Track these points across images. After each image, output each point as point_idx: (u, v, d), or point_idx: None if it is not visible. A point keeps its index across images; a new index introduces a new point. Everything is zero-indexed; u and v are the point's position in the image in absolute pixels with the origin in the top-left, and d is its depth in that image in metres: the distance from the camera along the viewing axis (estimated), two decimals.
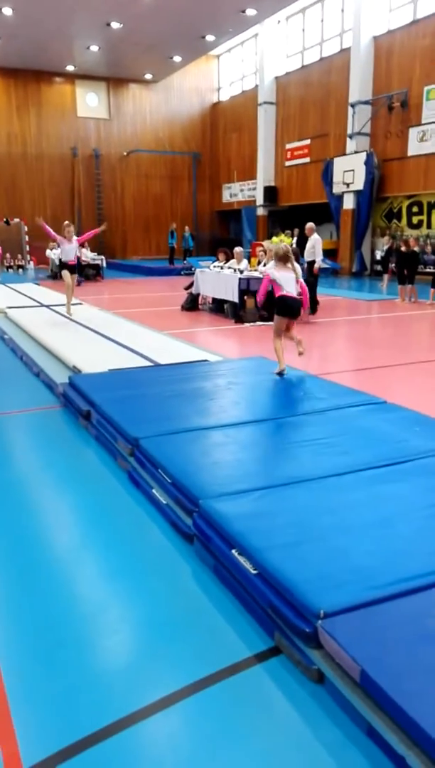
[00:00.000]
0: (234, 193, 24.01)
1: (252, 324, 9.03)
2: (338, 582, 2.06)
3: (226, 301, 9.74)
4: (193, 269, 12.97)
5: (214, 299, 10.34)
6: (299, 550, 2.28)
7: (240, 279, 9.14)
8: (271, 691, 1.89)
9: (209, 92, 24.63)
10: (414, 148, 15.39)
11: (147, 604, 2.33)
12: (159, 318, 9.51)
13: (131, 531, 2.91)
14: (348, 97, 16.88)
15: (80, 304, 10.05)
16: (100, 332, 7.36)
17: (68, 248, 7.76)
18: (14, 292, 12.41)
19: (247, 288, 9.13)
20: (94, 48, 19.16)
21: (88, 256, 16.61)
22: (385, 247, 13.82)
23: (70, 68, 21.56)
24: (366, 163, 16.24)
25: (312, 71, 18.87)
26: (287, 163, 20.40)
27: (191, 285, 10.87)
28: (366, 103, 16.55)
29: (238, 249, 10.45)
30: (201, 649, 2.06)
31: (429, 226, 15.88)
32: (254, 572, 2.22)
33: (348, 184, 16.85)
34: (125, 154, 23.77)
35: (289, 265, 5.28)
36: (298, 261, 9.15)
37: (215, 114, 24.67)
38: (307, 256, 10.34)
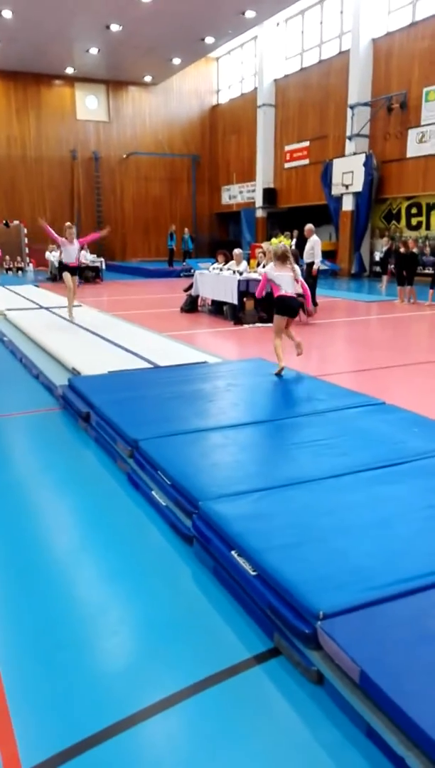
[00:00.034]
0: (233, 195, 24.04)
1: (251, 326, 9.03)
2: (337, 583, 2.07)
3: (225, 303, 9.75)
4: (192, 271, 12.98)
5: (213, 301, 10.35)
6: (298, 551, 2.28)
7: (239, 281, 9.15)
8: (270, 692, 1.89)
9: (208, 94, 24.68)
10: (413, 149, 15.42)
11: (146, 606, 2.33)
12: (158, 320, 9.51)
13: (131, 532, 2.91)
14: (347, 99, 16.92)
15: (79, 306, 10.05)
16: (99, 334, 7.37)
17: (70, 250, 7.73)
18: (14, 294, 12.42)
19: (246, 290, 9.14)
20: (94, 51, 19.20)
21: (87, 258, 16.62)
22: (384, 249, 13.83)
23: (69, 71, 21.61)
24: (365, 164, 16.26)
25: (311, 73, 18.92)
26: (286, 165, 20.43)
27: (190, 287, 10.88)
28: (365, 104, 16.59)
29: (237, 251, 10.46)
30: (200, 651, 2.06)
31: (428, 228, 15.91)
32: (253, 573, 2.23)
33: (347, 186, 16.88)
34: (125, 156, 23.81)
35: (288, 264, 5.30)
36: (297, 262, 9.18)
37: (214, 116, 24.72)
38: (307, 258, 10.36)
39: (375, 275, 16.80)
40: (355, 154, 16.72)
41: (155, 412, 4.06)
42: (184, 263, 18.83)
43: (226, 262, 10.60)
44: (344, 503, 2.70)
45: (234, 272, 9.67)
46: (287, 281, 5.26)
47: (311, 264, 10.27)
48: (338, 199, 17.48)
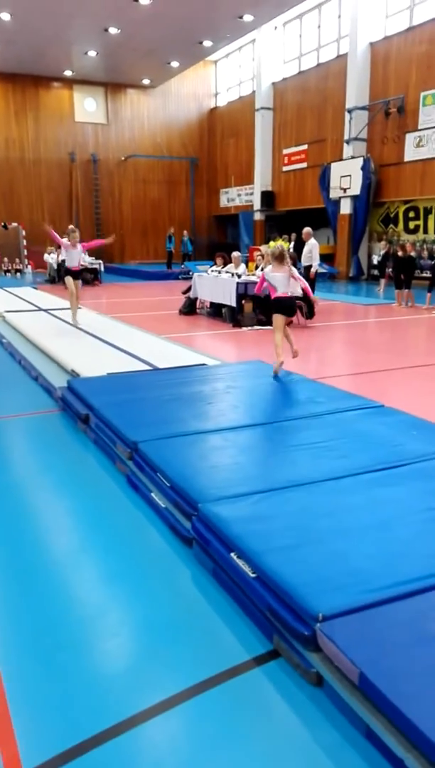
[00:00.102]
0: (231, 197, 24.09)
1: (250, 328, 9.05)
2: (337, 585, 2.07)
3: (223, 306, 9.77)
4: (190, 273, 13.00)
5: (211, 303, 10.37)
6: (298, 553, 2.28)
7: (238, 283, 9.17)
8: (270, 694, 1.90)
9: (207, 97, 24.74)
10: (410, 153, 15.48)
11: (146, 608, 2.33)
12: (157, 322, 9.53)
13: (130, 534, 2.92)
14: (345, 103, 16.97)
15: (79, 308, 10.05)
16: (98, 336, 7.38)
17: (73, 254, 7.68)
18: (12, 296, 12.41)
19: (244, 292, 9.16)
20: (92, 53, 19.24)
21: (85, 260, 16.62)
22: (382, 252, 13.88)
23: (68, 73, 21.65)
24: (363, 168, 16.32)
25: (309, 77, 18.99)
26: (284, 168, 20.49)
27: (189, 289, 10.90)
28: (363, 108, 16.64)
29: (235, 253, 10.48)
30: (200, 653, 2.07)
31: (425, 231, 15.96)
32: (253, 575, 2.23)
33: (345, 189, 16.93)
34: (123, 159, 23.84)
35: (285, 264, 5.41)
36: (295, 266, 9.22)
37: (213, 119, 24.78)
38: (305, 261, 10.39)
39: (373, 278, 16.84)
40: (353, 157, 16.77)
41: (154, 414, 4.07)
42: (183, 266, 18.85)
43: (225, 264, 10.63)
44: (343, 505, 2.71)
45: (232, 275, 9.69)
46: (283, 282, 5.39)
47: (309, 267, 10.30)
48: (336, 203, 17.53)
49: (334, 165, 17.40)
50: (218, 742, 1.71)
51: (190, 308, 10.74)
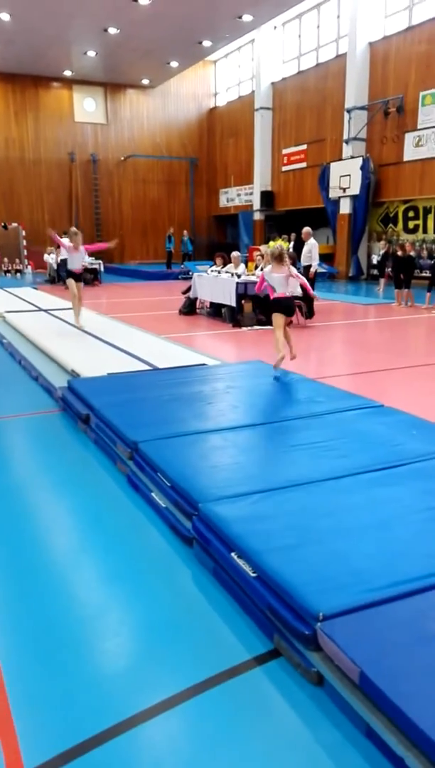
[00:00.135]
0: (231, 197, 24.09)
1: (249, 328, 9.06)
2: (337, 584, 2.08)
3: (223, 306, 9.77)
4: (190, 273, 13.01)
5: (211, 303, 10.37)
6: (298, 552, 2.29)
7: (237, 283, 9.17)
8: (270, 693, 1.90)
9: (206, 97, 24.74)
10: (410, 153, 15.48)
11: (147, 607, 2.34)
12: (157, 322, 9.53)
13: (131, 534, 2.92)
14: (344, 103, 16.98)
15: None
16: (98, 336, 7.38)
17: (75, 257, 7.65)
18: (12, 297, 12.41)
19: (244, 292, 9.17)
20: (92, 53, 19.24)
21: (86, 260, 16.62)
22: (382, 252, 13.88)
23: (67, 73, 21.65)
24: (362, 168, 16.32)
25: (308, 77, 18.99)
26: (284, 168, 20.49)
27: (189, 289, 10.90)
28: (362, 108, 16.65)
29: (235, 253, 10.49)
30: (201, 652, 2.07)
31: (425, 231, 15.97)
32: (253, 575, 2.24)
33: (344, 189, 16.93)
34: (123, 159, 23.84)
35: (284, 264, 5.45)
36: (295, 265, 9.23)
37: (212, 119, 24.78)
38: (304, 261, 10.39)
39: (372, 278, 16.85)
40: (352, 157, 16.77)
41: (155, 414, 4.07)
42: (183, 266, 18.85)
43: (224, 264, 10.63)
44: (343, 505, 2.72)
45: (232, 275, 9.69)
46: (282, 283, 5.44)
47: (308, 267, 10.30)
48: (336, 203, 17.54)
49: (333, 165, 17.41)
50: (219, 742, 1.71)
51: (190, 308, 10.75)
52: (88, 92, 23.01)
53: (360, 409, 4.22)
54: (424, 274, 13.75)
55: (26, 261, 21.81)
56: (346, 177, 16.80)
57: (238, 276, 9.54)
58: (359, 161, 16.42)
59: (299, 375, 5.36)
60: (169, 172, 24.71)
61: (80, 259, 7.86)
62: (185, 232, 22.10)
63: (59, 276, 16.37)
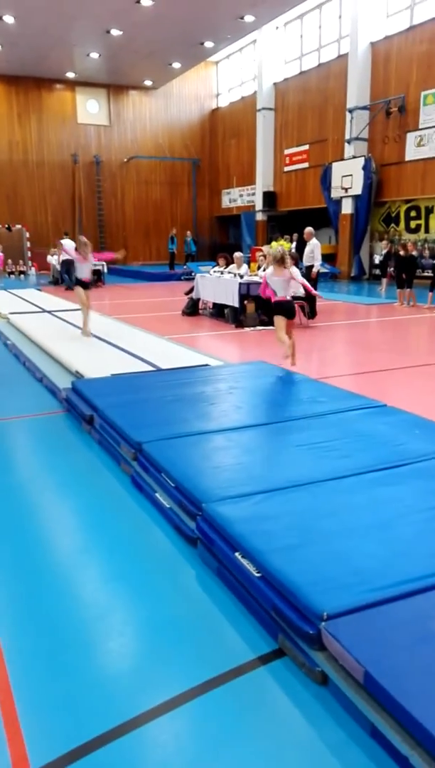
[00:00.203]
0: (233, 198, 24.11)
1: (252, 329, 9.06)
2: (341, 584, 2.08)
3: (226, 306, 9.78)
4: (193, 274, 13.02)
5: (214, 304, 10.38)
6: (301, 552, 2.29)
7: (240, 284, 9.18)
8: (275, 693, 1.91)
9: (208, 98, 24.77)
10: (411, 152, 15.47)
11: (151, 607, 2.35)
12: (160, 323, 9.54)
13: (135, 534, 2.93)
14: (346, 103, 16.97)
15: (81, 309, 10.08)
16: (102, 337, 7.40)
17: (84, 266, 7.69)
18: (16, 298, 12.45)
19: (247, 293, 9.18)
20: (95, 55, 19.29)
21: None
22: (384, 252, 13.87)
23: (70, 75, 21.71)
24: (364, 168, 16.32)
25: (310, 77, 18.99)
26: (286, 169, 20.49)
27: (192, 290, 10.92)
28: (364, 108, 16.64)
29: (237, 254, 10.50)
30: (205, 652, 2.08)
31: (427, 231, 15.94)
32: (257, 575, 2.24)
33: (346, 189, 16.92)
34: (125, 160, 23.88)
35: (284, 267, 5.49)
36: (297, 266, 9.24)
37: (214, 120, 24.80)
38: (306, 261, 10.40)
39: (374, 278, 16.84)
40: (354, 157, 16.77)
41: (158, 415, 4.08)
42: (185, 266, 18.87)
43: (227, 265, 10.65)
44: (346, 505, 2.72)
45: (235, 275, 9.70)
46: (282, 286, 5.50)
47: (311, 267, 10.30)
48: (338, 203, 17.53)
49: (335, 165, 17.40)
50: (223, 741, 1.72)
51: (192, 309, 10.76)
52: (91, 94, 23.07)
53: (362, 409, 4.22)
54: (426, 274, 13.73)
55: (30, 262, 21.88)
56: (348, 177, 16.79)
57: (241, 276, 9.54)
58: (361, 161, 16.41)
59: (302, 375, 5.37)
60: (172, 173, 24.74)
61: (89, 268, 7.90)
62: (188, 232, 22.12)
63: (62, 278, 16.42)
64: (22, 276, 20.86)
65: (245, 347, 7.95)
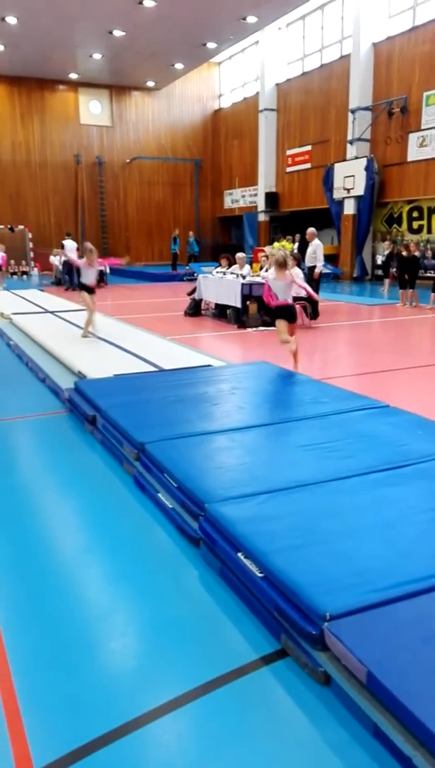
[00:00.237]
0: (235, 199, 24.12)
1: (255, 329, 9.06)
2: (343, 584, 2.08)
3: (228, 307, 9.79)
4: (195, 275, 13.03)
5: (216, 305, 10.39)
6: (304, 553, 2.29)
7: (242, 284, 9.18)
8: (277, 693, 1.91)
9: (211, 99, 24.79)
10: (414, 153, 15.46)
11: (153, 608, 2.35)
12: (162, 323, 9.55)
13: (137, 534, 2.94)
14: (348, 104, 16.98)
15: (84, 309, 10.09)
16: (104, 338, 7.41)
17: (90, 272, 7.81)
18: (19, 299, 12.47)
19: (249, 293, 9.18)
20: (97, 56, 19.32)
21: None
22: (386, 252, 13.86)
23: (73, 76, 21.75)
24: (366, 168, 16.31)
25: (312, 78, 19.00)
26: (288, 169, 20.50)
27: (194, 290, 10.92)
28: (366, 109, 16.64)
29: (240, 255, 10.51)
30: (208, 652, 2.08)
31: (429, 231, 15.93)
32: (260, 575, 2.25)
33: (348, 190, 16.92)
34: (128, 161, 23.91)
35: (285, 271, 5.52)
36: (299, 266, 9.25)
37: (217, 121, 24.82)
38: (308, 261, 10.40)
39: (377, 279, 16.82)
40: (356, 158, 16.76)
41: (161, 415, 4.09)
42: (188, 267, 18.90)
43: (230, 266, 10.65)
44: (349, 505, 2.72)
45: (237, 276, 9.71)
46: (283, 290, 5.53)
47: (313, 268, 10.31)
48: (340, 203, 17.52)
49: (337, 165, 17.40)
50: (226, 742, 1.72)
51: (195, 309, 10.77)
52: (94, 95, 23.11)
53: (365, 409, 4.22)
54: (428, 275, 13.74)
55: (32, 263, 21.92)
56: (351, 178, 16.79)
57: (243, 277, 9.55)
58: (363, 162, 16.41)
59: (305, 375, 5.37)
60: (174, 174, 24.77)
61: (94, 274, 7.98)
62: (191, 233, 22.13)
63: (64, 278, 16.46)
64: (24, 276, 20.90)
65: (248, 348, 7.95)
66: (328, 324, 9.61)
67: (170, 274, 19.38)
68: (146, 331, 8.26)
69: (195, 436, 3.65)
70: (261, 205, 21.62)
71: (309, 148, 19.38)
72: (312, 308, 9.37)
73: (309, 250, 10.46)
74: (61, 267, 16.98)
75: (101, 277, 17.18)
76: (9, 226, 21.39)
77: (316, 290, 10.20)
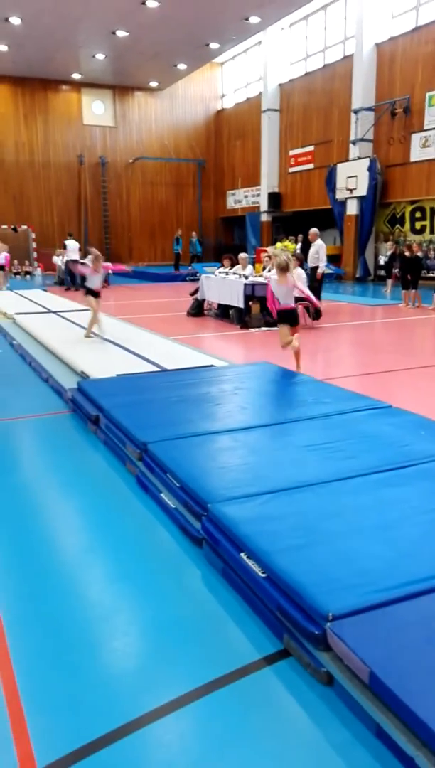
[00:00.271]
0: (238, 199, 24.12)
1: (257, 329, 9.06)
2: (346, 585, 2.08)
3: (231, 307, 9.79)
4: (197, 275, 13.04)
5: (219, 305, 10.39)
6: (307, 553, 2.29)
7: (245, 285, 9.19)
8: (280, 693, 1.91)
9: (214, 100, 24.80)
10: (416, 153, 15.44)
11: (156, 607, 2.35)
12: (165, 323, 9.56)
13: (140, 534, 2.94)
14: (351, 104, 16.96)
15: (87, 309, 10.11)
16: (107, 338, 7.42)
17: (95, 278, 7.89)
18: (22, 299, 12.49)
19: (252, 294, 9.18)
20: (100, 56, 19.35)
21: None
22: (389, 253, 13.85)
23: (76, 76, 21.78)
24: (369, 169, 16.30)
25: (315, 78, 18.99)
26: (291, 170, 20.49)
27: (197, 291, 10.93)
28: (369, 109, 16.62)
29: (242, 255, 10.51)
30: (210, 652, 2.08)
31: (432, 232, 15.91)
32: (263, 575, 2.25)
33: (351, 190, 16.91)
34: (131, 161, 23.94)
35: (288, 276, 5.53)
36: (301, 267, 9.25)
37: (220, 121, 24.83)
38: (311, 262, 10.40)
39: (379, 279, 16.81)
40: (359, 158, 16.75)
41: (163, 415, 4.09)
42: (190, 267, 18.91)
43: (232, 266, 10.66)
44: (351, 506, 2.72)
45: (240, 276, 9.71)
46: (284, 294, 5.55)
47: (316, 268, 10.31)
48: (343, 204, 17.51)
49: (340, 166, 17.39)
50: (228, 741, 1.72)
51: (197, 310, 10.77)
52: (97, 95, 23.14)
53: (367, 409, 4.22)
54: (431, 275, 13.72)
55: (36, 263, 21.96)
56: (353, 178, 16.78)
57: (246, 277, 9.55)
58: (366, 162, 16.39)
59: (307, 376, 5.36)
60: (177, 175, 24.78)
61: (100, 279, 8.03)
62: (194, 233, 22.13)
63: (66, 279, 16.48)
64: (27, 276, 20.93)
65: (250, 348, 7.95)
66: (331, 324, 9.61)
67: (173, 275, 19.40)
68: (149, 331, 8.27)
69: (198, 436, 3.66)
70: (264, 206, 21.61)
71: (312, 148, 19.37)
72: (314, 308, 9.36)
73: (312, 251, 10.45)
74: (63, 267, 17.00)
75: (105, 278, 17.25)
76: (12, 227, 21.43)
77: (319, 291, 10.22)
